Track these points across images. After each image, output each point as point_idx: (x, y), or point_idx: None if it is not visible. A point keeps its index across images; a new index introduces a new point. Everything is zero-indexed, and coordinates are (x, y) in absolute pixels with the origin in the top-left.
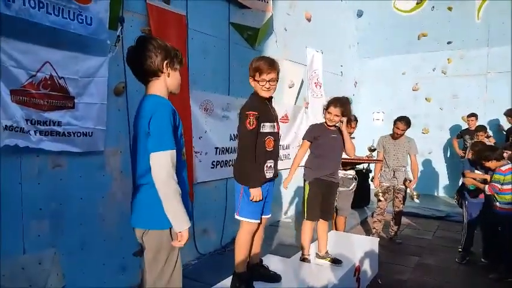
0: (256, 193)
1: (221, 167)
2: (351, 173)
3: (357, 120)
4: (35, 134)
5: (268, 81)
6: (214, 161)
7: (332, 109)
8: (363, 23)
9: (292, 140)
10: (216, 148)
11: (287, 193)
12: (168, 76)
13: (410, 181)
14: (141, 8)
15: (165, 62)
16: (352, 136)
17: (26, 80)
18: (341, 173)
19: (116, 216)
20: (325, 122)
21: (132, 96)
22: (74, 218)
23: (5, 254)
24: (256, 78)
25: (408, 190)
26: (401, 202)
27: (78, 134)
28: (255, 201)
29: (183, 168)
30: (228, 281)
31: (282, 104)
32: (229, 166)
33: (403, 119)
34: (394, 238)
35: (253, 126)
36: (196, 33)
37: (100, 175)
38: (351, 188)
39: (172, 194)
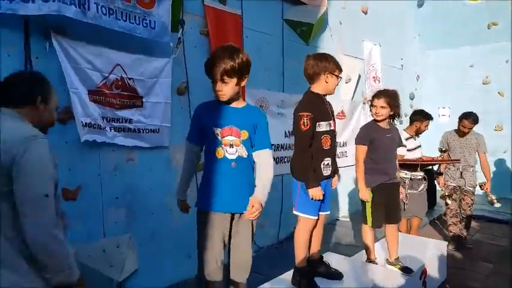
0: (315, 192)
1: (276, 163)
2: (420, 174)
3: (430, 118)
4: (110, 130)
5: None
6: None
7: (376, 101)
8: (425, 14)
9: (349, 137)
10: (272, 145)
11: (344, 192)
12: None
13: (482, 185)
14: (199, 9)
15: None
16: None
17: (100, 81)
18: (409, 174)
19: None
20: (376, 121)
21: (194, 95)
22: (145, 208)
23: (88, 237)
24: (336, 74)
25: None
26: (469, 205)
27: (147, 131)
28: (315, 199)
29: (216, 164)
30: (287, 275)
31: (338, 100)
32: (285, 162)
33: (470, 115)
34: (464, 243)
35: (308, 127)
36: (251, 31)
37: (167, 169)
38: (420, 189)
39: None
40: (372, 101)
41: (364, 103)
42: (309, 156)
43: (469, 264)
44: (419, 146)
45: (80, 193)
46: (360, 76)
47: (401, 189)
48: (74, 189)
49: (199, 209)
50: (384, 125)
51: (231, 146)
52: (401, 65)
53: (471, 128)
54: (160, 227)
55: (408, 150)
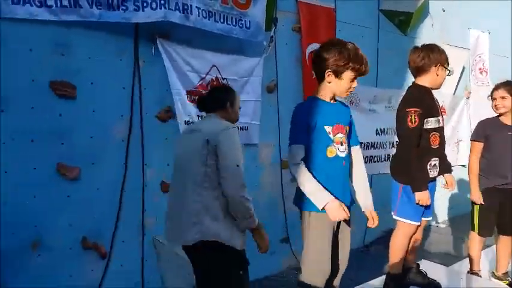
0: (422, 196)
1: (366, 162)
2: None
3: None
4: None
5: None
6: None
7: (495, 93)
8: None
9: (450, 136)
10: (361, 143)
11: (441, 196)
12: (330, 83)
13: None
14: (292, 6)
15: (328, 73)
16: None
17: (198, 81)
18: None
19: (265, 205)
20: (498, 116)
21: (283, 93)
22: None
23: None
24: (446, 66)
25: None
26: None
27: (238, 129)
28: (422, 204)
29: (327, 163)
30: (378, 280)
31: (438, 94)
32: (375, 162)
33: None
34: None
35: (416, 124)
36: (344, 24)
37: (253, 166)
38: None
39: (302, 181)
40: (491, 94)
41: (467, 97)
42: (416, 157)
43: None
44: None
45: None
46: (464, 68)
47: None
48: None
49: (312, 212)
50: (508, 120)
51: (341, 143)
52: None
53: None
54: None
55: None
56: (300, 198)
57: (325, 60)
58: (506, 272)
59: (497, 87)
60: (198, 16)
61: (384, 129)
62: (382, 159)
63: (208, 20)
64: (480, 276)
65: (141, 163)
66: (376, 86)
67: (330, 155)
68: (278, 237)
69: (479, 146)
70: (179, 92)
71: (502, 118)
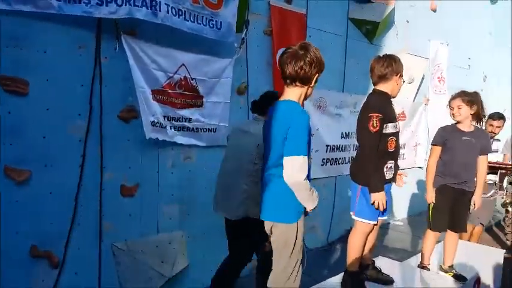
0: (378, 197)
1: (331, 164)
2: (491, 178)
3: (503, 119)
4: (171, 129)
5: None
6: (324, 159)
7: (452, 102)
8: (499, 10)
9: (408, 139)
10: (327, 146)
11: (399, 195)
12: (311, 87)
13: None
14: (264, 9)
15: (317, 76)
16: (496, 138)
17: (165, 81)
18: None
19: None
20: (456, 123)
21: (253, 95)
22: (199, 206)
23: (143, 232)
24: (402, 75)
25: None
26: None
27: (205, 130)
28: (378, 207)
29: (309, 169)
30: (337, 278)
31: (399, 101)
32: (339, 164)
33: None
34: None
35: (377, 128)
36: (315, 31)
37: None
38: (489, 194)
39: (306, 198)
40: (449, 103)
41: (426, 104)
42: (375, 159)
43: None
44: (494, 151)
45: (137, 190)
46: (423, 76)
47: (475, 198)
48: (132, 186)
49: (299, 221)
50: (465, 127)
51: None
52: (468, 65)
53: None
54: (212, 225)
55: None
56: (284, 209)
57: (306, 66)
58: (452, 265)
59: (454, 97)
60: (168, 13)
61: (349, 132)
62: (346, 161)
63: (178, 18)
64: (429, 270)
65: (99, 165)
66: (342, 92)
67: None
68: None
69: (438, 149)
70: (144, 91)
71: (459, 125)
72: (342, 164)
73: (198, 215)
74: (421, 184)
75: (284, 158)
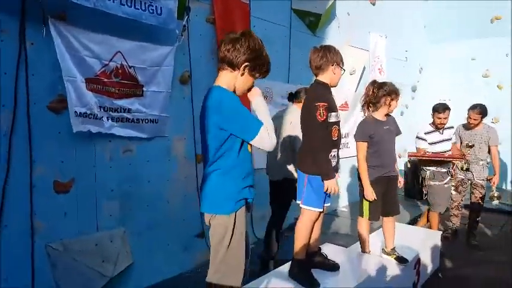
0: (331, 184)
1: None
2: (445, 167)
3: (448, 109)
4: (107, 120)
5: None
6: None
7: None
8: (432, 6)
9: (352, 128)
10: None
11: (343, 182)
12: (242, 76)
13: (490, 178)
14: None
15: (245, 63)
16: (448, 126)
17: (99, 69)
18: (433, 167)
19: (179, 199)
20: (372, 115)
21: (197, 85)
22: (141, 200)
23: (80, 231)
24: (341, 66)
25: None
26: (478, 199)
27: (146, 121)
28: (332, 192)
29: (248, 160)
30: (286, 267)
31: (342, 92)
32: None
33: (475, 107)
34: (471, 240)
35: (324, 117)
36: (259, 20)
37: (166, 160)
38: (444, 182)
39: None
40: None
41: None
42: (324, 148)
43: (462, 253)
44: (446, 140)
45: (73, 186)
46: (364, 68)
47: (400, 178)
48: (66, 181)
49: (238, 212)
50: (380, 117)
51: None
52: (406, 57)
53: (477, 120)
54: (156, 220)
55: (430, 143)
56: (221, 201)
57: (244, 51)
58: (394, 248)
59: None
60: None
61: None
62: None
63: (113, 2)
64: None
65: (29, 160)
66: (288, 82)
67: (249, 149)
68: (193, 232)
69: (365, 145)
70: (73, 80)
71: (376, 116)
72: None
73: (142, 210)
74: None
75: (250, 142)
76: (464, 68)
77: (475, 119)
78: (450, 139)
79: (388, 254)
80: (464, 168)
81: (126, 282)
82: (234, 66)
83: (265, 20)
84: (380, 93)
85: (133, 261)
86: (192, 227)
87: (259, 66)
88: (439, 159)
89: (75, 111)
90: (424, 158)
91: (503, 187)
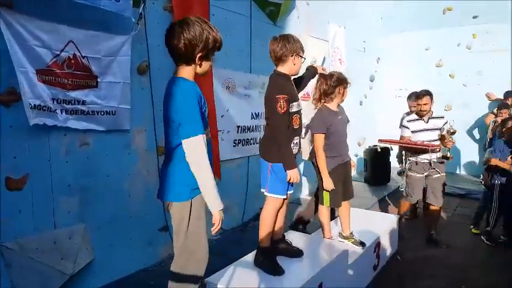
0: (293, 173)
1: (243, 145)
2: (425, 157)
3: (422, 95)
4: (62, 113)
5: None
6: (236, 140)
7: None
8: None
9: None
10: (238, 126)
11: (306, 170)
12: (200, 66)
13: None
14: None
15: (200, 54)
16: (439, 116)
17: (50, 59)
18: (413, 157)
19: (141, 193)
20: (326, 105)
21: (156, 75)
22: (101, 195)
23: (37, 229)
24: (301, 55)
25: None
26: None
27: (102, 113)
28: (293, 181)
29: (208, 146)
30: (251, 256)
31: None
32: (251, 144)
33: (410, 95)
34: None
35: (285, 109)
36: (218, 9)
37: (126, 153)
38: (423, 174)
39: (209, 180)
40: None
41: (323, 69)
42: (287, 139)
43: (418, 236)
44: (431, 129)
45: (27, 182)
46: (324, 58)
47: (352, 163)
48: (20, 177)
49: (193, 199)
50: (334, 107)
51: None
52: (364, 48)
53: (427, 105)
54: (118, 215)
55: (412, 132)
56: (176, 188)
57: (196, 41)
58: (351, 232)
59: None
60: None
61: (258, 113)
62: (258, 141)
63: None
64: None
65: None
66: (250, 73)
67: (207, 137)
68: (156, 226)
69: (323, 137)
70: (25, 71)
71: (330, 106)
72: (254, 144)
73: (102, 205)
74: None
75: (182, 141)
76: (419, 58)
77: (413, 106)
78: (436, 129)
79: (346, 238)
80: (448, 156)
81: (87, 279)
82: (188, 60)
83: (225, 8)
84: (333, 83)
85: (95, 258)
86: (155, 220)
87: (211, 49)
88: (409, 145)
89: (30, 104)
90: (392, 143)
91: (457, 171)
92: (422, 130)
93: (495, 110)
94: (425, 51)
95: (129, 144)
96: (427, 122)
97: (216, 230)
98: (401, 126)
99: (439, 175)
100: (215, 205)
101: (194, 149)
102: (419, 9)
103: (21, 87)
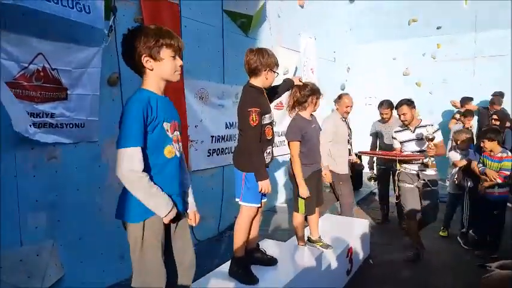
0: (265, 185)
1: (217, 155)
2: (413, 167)
3: (392, 107)
4: (30, 126)
5: None
6: (210, 149)
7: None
8: (356, 9)
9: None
10: (212, 136)
11: (281, 178)
12: (152, 70)
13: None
14: None
15: (145, 59)
16: (427, 124)
17: (18, 72)
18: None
19: (112, 206)
20: (300, 114)
21: (126, 87)
22: (71, 209)
23: (3, 246)
24: (274, 70)
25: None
26: None
27: (71, 125)
28: (264, 192)
29: (166, 164)
30: (226, 266)
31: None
32: (225, 154)
33: (381, 104)
34: (402, 224)
35: (257, 122)
36: (190, 21)
37: (96, 166)
38: (414, 184)
39: (136, 188)
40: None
41: (300, 81)
42: (259, 151)
43: (389, 240)
44: (415, 139)
45: None
46: (296, 68)
47: (324, 171)
48: None
49: (147, 220)
50: (307, 116)
51: (178, 142)
52: (334, 58)
53: (388, 114)
54: (88, 229)
55: (401, 142)
56: (129, 208)
57: (135, 47)
58: (320, 236)
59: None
60: None
61: (233, 122)
62: (232, 151)
63: None
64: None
65: None
66: (223, 83)
67: (168, 155)
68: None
69: (298, 144)
70: None
71: (304, 115)
72: (228, 153)
73: (71, 220)
74: None
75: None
76: (387, 67)
77: (386, 114)
78: (422, 139)
79: (315, 242)
80: (428, 164)
81: None
82: (140, 71)
83: (196, 20)
84: (306, 93)
85: (65, 274)
86: (126, 235)
87: (157, 48)
88: (386, 157)
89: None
90: (367, 154)
91: None
92: (409, 140)
93: (457, 116)
94: (393, 60)
95: (99, 156)
96: (413, 132)
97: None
98: (392, 138)
99: (429, 189)
100: (160, 211)
101: (119, 162)
102: (386, 21)
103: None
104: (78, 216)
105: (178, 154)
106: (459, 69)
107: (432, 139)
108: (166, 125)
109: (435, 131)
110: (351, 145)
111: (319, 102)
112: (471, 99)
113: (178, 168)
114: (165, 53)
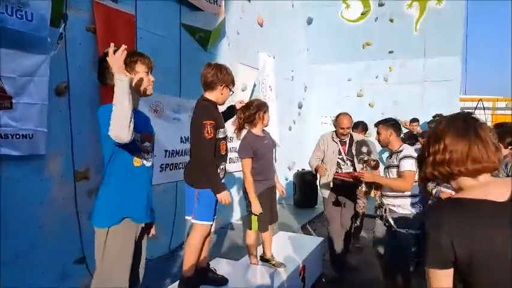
0: (224, 196)
1: (170, 170)
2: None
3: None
4: None
5: None
6: (163, 164)
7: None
8: (313, 30)
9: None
10: (166, 151)
11: (236, 196)
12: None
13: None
14: (87, 5)
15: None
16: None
17: None
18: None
19: (55, 223)
20: (251, 130)
21: (76, 97)
22: (7, 227)
23: None
24: (230, 87)
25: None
26: (362, 208)
27: (18, 136)
28: (225, 203)
29: (134, 175)
30: (174, 286)
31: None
32: (180, 169)
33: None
34: (354, 243)
35: (212, 135)
36: (146, 33)
37: (38, 180)
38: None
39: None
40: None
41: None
42: (213, 164)
43: (343, 257)
44: (393, 166)
45: None
46: (255, 84)
47: (281, 188)
48: None
49: (111, 228)
50: (258, 132)
51: (148, 152)
52: (292, 76)
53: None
54: (27, 248)
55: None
56: (96, 213)
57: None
58: (272, 255)
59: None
60: None
61: (188, 137)
62: None
63: None
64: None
65: None
66: (179, 96)
67: (136, 164)
68: (72, 258)
69: (250, 161)
70: None
71: (255, 131)
72: (182, 168)
73: (8, 238)
74: None
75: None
76: (342, 88)
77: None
78: (398, 166)
79: (267, 260)
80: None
81: None
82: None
83: (153, 33)
84: (252, 111)
85: None
86: (70, 252)
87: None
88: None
89: None
90: (348, 177)
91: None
92: (390, 167)
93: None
94: (348, 81)
95: (43, 170)
96: (390, 157)
97: None
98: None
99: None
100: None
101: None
102: (341, 43)
103: None
104: (17, 233)
105: (148, 164)
106: (409, 92)
107: (366, 161)
108: (135, 135)
109: (402, 158)
110: (353, 167)
111: (267, 116)
112: (417, 120)
113: (146, 180)
114: (140, 67)
